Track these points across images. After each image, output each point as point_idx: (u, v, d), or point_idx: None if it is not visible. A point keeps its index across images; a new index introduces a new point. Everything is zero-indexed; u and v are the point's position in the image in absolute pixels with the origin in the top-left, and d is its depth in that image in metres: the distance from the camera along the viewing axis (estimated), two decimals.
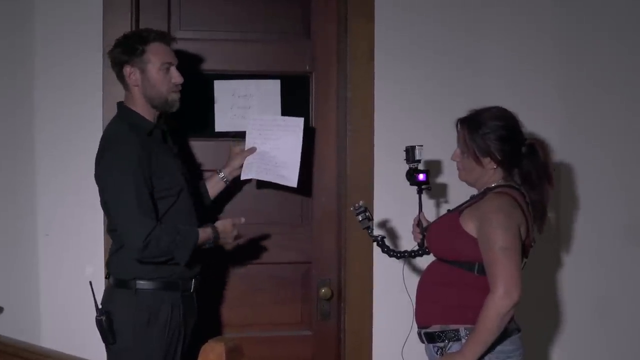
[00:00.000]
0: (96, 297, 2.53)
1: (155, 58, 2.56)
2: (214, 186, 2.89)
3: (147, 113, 2.60)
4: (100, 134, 2.88)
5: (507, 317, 2.29)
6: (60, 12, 2.94)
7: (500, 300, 2.26)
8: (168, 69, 2.59)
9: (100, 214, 2.88)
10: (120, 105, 2.65)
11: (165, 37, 2.63)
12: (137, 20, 3.02)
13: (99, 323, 2.49)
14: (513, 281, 2.27)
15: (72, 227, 2.93)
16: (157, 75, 2.56)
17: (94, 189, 2.89)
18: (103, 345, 2.82)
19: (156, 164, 2.51)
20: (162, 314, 2.53)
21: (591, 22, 3.25)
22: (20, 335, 2.73)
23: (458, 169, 2.56)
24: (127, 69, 2.55)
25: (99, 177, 2.53)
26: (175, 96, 2.62)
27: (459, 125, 2.51)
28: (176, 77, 2.60)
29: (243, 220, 2.65)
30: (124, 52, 2.56)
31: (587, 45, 3.25)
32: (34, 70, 2.92)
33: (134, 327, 2.50)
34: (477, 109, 2.50)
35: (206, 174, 3.02)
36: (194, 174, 3.01)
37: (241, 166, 2.86)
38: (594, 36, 3.25)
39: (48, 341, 2.87)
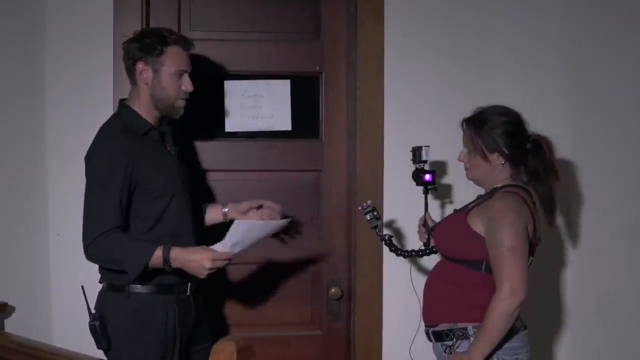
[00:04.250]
0: (89, 301, 2.51)
1: (171, 62, 2.51)
2: (212, 215, 2.83)
3: (148, 113, 2.55)
4: None
5: (513, 316, 2.30)
6: (70, 12, 2.96)
7: (506, 300, 2.28)
8: (181, 76, 2.54)
9: None
10: (122, 103, 2.60)
11: (185, 42, 2.56)
12: (148, 21, 3.04)
13: (92, 328, 2.45)
14: (519, 280, 2.28)
15: None
16: (170, 79, 2.51)
17: None
18: None
19: (146, 166, 2.45)
20: (157, 318, 2.47)
21: (601, 21, 3.23)
22: (32, 334, 2.74)
23: (465, 168, 2.57)
24: (140, 66, 2.50)
25: (85, 172, 2.51)
26: (181, 103, 2.56)
27: (464, 125, 2.53)
28: (187, 85, 2.55)
29: (226, 256, 2.44)
30: (141, 48, 2.50)
31: (596, 45, 3.23)
32: (45, 71, 2.94)
33: (128, 332, 2.45)
34: (480, 108, 2.52)
35: (210, 206, 2.90)
36: (197, 176, 3.00)
37: (244, 213, 2.77)
38: (604, 36, 3.22)
39: (59, 340, 2.88)
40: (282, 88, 3.18)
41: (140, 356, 2.46)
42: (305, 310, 3.21)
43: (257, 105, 3.16)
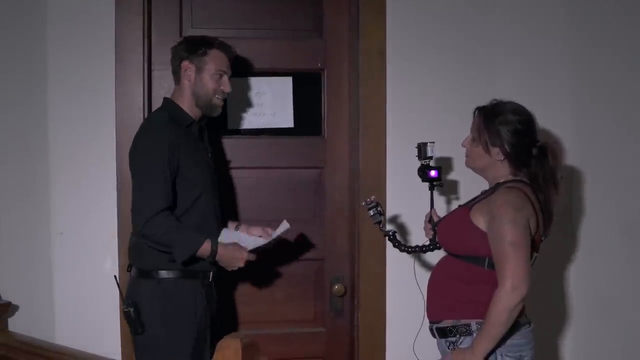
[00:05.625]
0: (121, 289, 2.60)
1: (213, 63, 2.70)
2: None
3: (190, 110, 2.71)
4: (113, 132, 2.94)
5: (516, 311, 2.29)
6: (72, 12, 2.95)
7: (508, 295, 2.27)
8: (221, 77, 2.72)
9: (113, 212, 2.91)
10: (166, 99, 2.76)
11: (227, 49, 2.75)
12: (149, 20, 3.04)
13: (126, 315, 2.55)
14: (521, 276, 2.27)
15: (85, 226, 2.95)
16: (210, 78, 2.69)
17: (107, 187, 2.94)
18: (118, 341, 2.86)
19: (186, 157, 2.60)
20: (187, 300, 2.60)
21: (603, 21, 3.23)
22: (35, 332, 2.76)
23: (466, 155, 2.56)
24: (185, 64, 2.69)
25: (130, 157, 2.63)
26: (219, 102, 2.74)
27: (476, 112, 2.53)
28: (226, 86, 2.74)
29: (253, 257, 2.64)
30: (187, 49, 2.71)
31: (599, 46, 3.22)
32: (47, 71, 2.94)
33: (162, 316, 2.56)
34: (496, 100, 2.51)
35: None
36: (225, 176, 3.07)
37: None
38: (606, 36, 3.22)
39: (62, 338, 2.89)
40: (285, 85, 3.18)
41: (177, 337, 2.58)
42: (309, 307, 3.21)
43: (260, 102, 3.17)
